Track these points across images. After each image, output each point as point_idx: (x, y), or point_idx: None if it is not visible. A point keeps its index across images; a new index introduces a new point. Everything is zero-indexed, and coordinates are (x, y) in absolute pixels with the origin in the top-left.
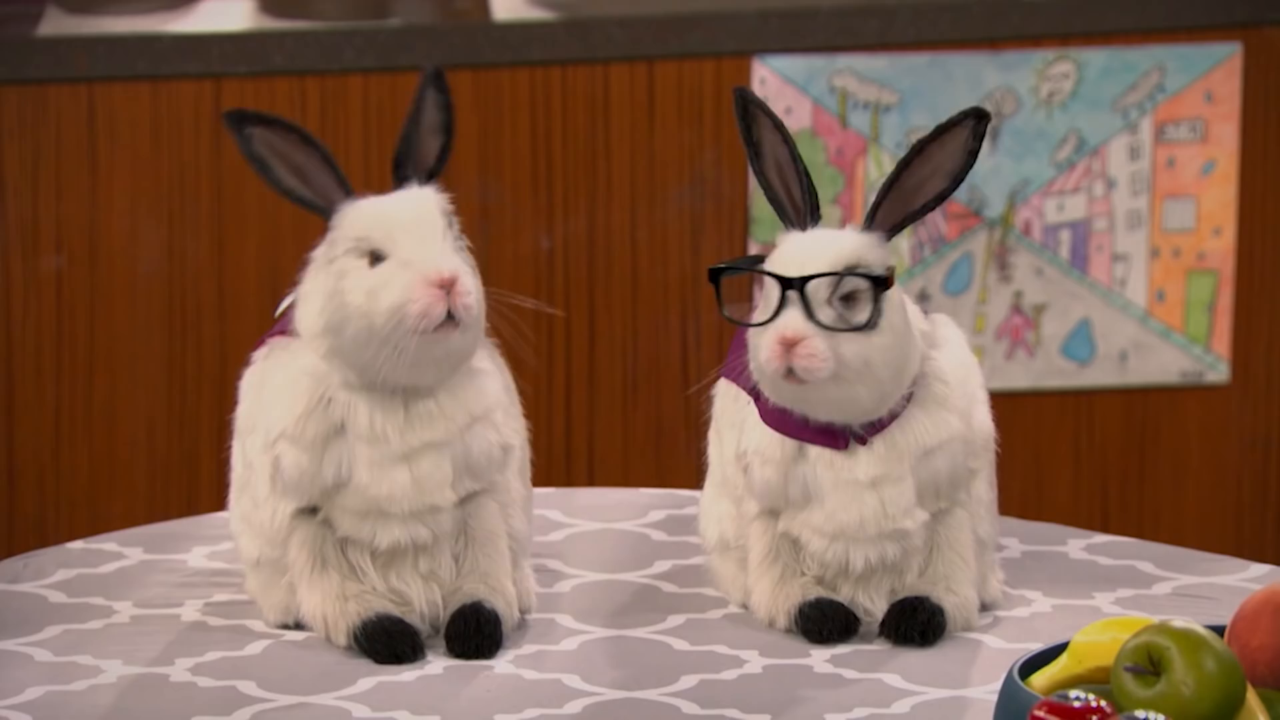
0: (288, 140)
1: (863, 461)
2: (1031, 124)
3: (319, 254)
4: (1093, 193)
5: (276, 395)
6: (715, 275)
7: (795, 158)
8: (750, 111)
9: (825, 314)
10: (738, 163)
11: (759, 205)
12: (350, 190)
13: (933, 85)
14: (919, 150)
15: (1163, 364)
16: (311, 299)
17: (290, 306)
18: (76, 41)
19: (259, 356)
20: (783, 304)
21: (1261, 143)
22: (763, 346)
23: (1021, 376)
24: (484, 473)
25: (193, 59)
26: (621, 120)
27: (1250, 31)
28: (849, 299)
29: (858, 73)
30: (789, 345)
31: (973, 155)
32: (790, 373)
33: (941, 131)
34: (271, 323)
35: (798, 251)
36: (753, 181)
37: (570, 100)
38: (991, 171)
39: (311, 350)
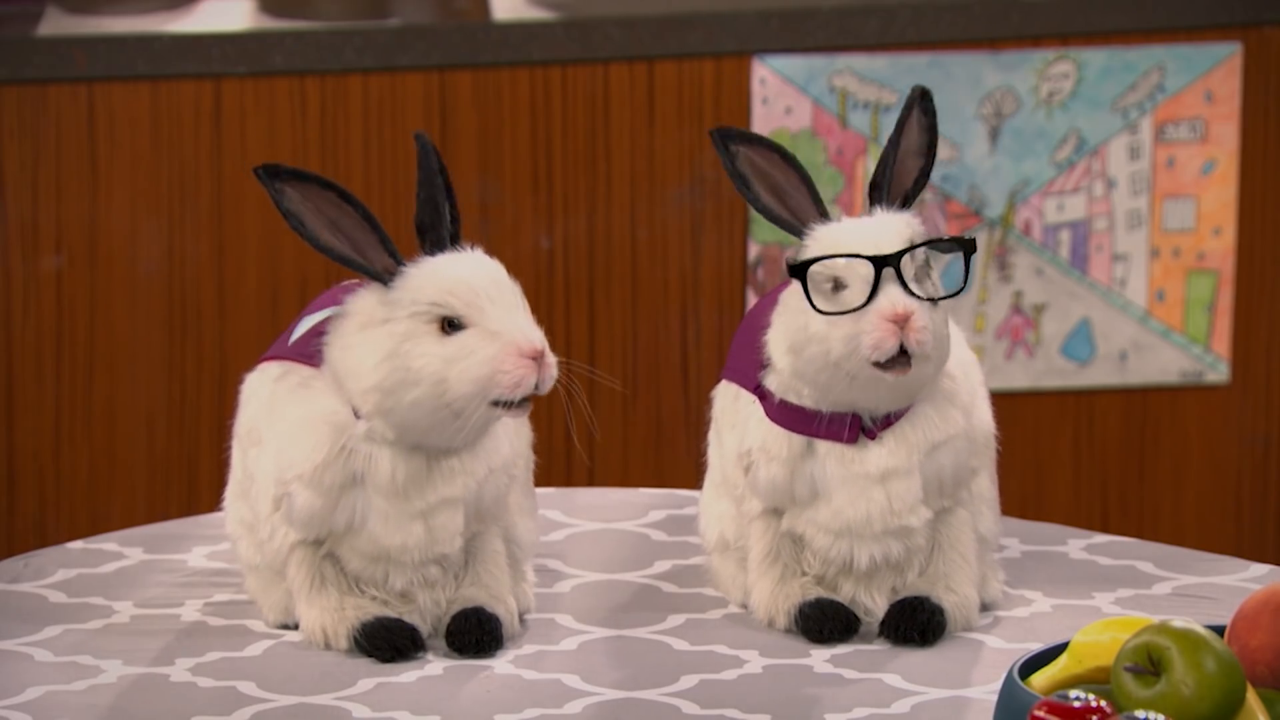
0: (324, 197)
1: (873, 455)
2: (1031, 124)
3: (364, 309)
4: (1093, 193)
5: (295, 435)
6: (801, 270)
7: (791, 163)
8: (731, 148)
9: (916, 289)
10: None
11: None
12: (391, 246)
13: (933, 85)
14: (893, 145)
15: (1163, 364)
16: (360, 355)
17: (311, 330)
18: (76, 41)
19: (270, 372)
20: (877, 285)
21: (1261, 143)
22: (866, 331)
23: (1021, 376)
24: (491, 514)
25: (192, 59)
26: (621, 120)
27: (1250, 31)
28: (916, 276)
29: (858, 73)
30: (902, 322)
31: (932, 130)
32: (902, 352)
33: (900, 125)
34: (272, 326)
35: (865, 233)
36: None
37: (570, 100)
38: (991, 171)
39: (354, 403)
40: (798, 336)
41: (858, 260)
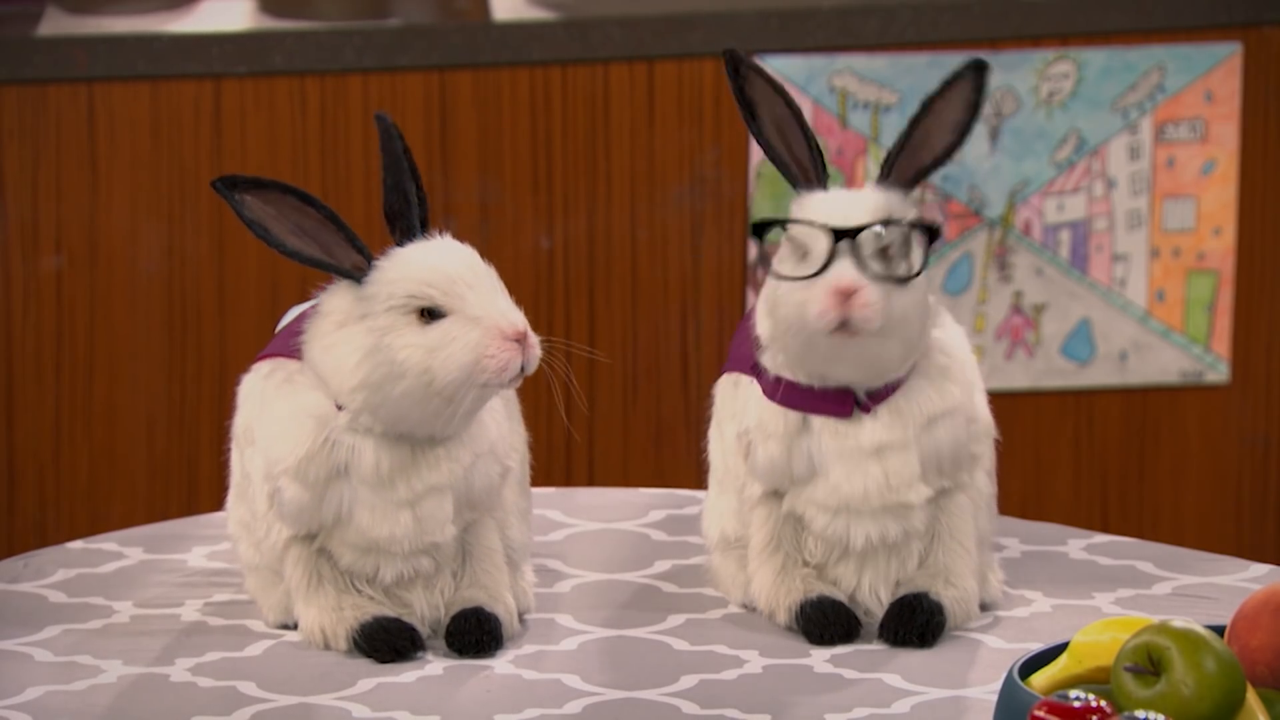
0: (285, 202)
1: (867, 429)
2: (1031, 124)
3: (340, 307)
4: (1093, 193)
5: (280, 430)
6: (760, 230)
7: (795, 114)
8: (742, 71)
9: (874, 265)
10: (738, 163)
11: (759, 205)
12: (359, 243)
13: (933, 85)
14: (926, 108)
15: (1163, 364)
16: (342, 353)
17: (294, 323)
18: (76, 41)
19: (260, 371)
20: (833, 256)
21: (1261, 143)
22: (813, 300)
23: (1021, 376)
24: (484, 503)
25: (192, 59)
26: (621, 120)
27: (1250, 31)
28: (884, 252)
29: (858, 73)
30: (846, 295)
31: (975, 107)
32: (843, 325)
33: (945, 87)
34: (272, 326)
35: (839, 204)
36: (753, 182)
37: (570, 100)
38: (991, 171)
39: (340, 401)
40: (771, 297)
41: (821, 229)
